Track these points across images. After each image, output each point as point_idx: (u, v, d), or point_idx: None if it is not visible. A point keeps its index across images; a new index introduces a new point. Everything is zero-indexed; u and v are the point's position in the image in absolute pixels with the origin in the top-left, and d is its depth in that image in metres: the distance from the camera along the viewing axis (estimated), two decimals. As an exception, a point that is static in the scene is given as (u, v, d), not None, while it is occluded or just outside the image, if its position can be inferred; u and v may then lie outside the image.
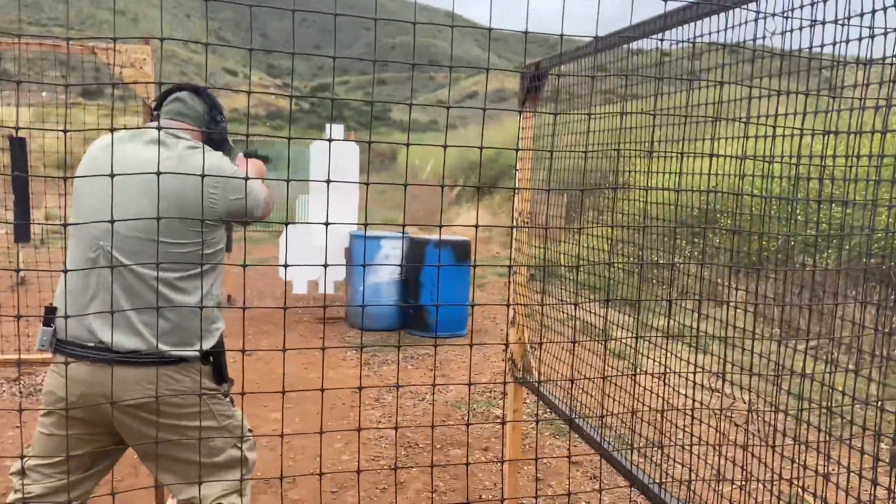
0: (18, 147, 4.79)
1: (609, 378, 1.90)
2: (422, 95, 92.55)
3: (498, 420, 4.13)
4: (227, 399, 2.07)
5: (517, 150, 2.29)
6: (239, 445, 2.03)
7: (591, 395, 2.10)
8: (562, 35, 1.38)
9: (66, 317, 1.84)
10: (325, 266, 1.35)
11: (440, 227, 1.31)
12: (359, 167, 6.56)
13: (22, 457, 1.90)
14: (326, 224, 1.28)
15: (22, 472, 1.92)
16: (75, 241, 1.92)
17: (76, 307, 1.85)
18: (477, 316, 6.95)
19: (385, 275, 6.26)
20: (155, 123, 1.96)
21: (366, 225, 1.45)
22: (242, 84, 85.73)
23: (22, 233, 5.36)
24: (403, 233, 6.32)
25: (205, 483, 1.91)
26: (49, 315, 1.88)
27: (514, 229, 2.54)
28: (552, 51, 2.46)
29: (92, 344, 1.84)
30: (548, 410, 2.40)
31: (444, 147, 1.31)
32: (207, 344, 1.96)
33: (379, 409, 4.49)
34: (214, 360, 2.01)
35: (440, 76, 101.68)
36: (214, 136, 2.07)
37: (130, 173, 1.59)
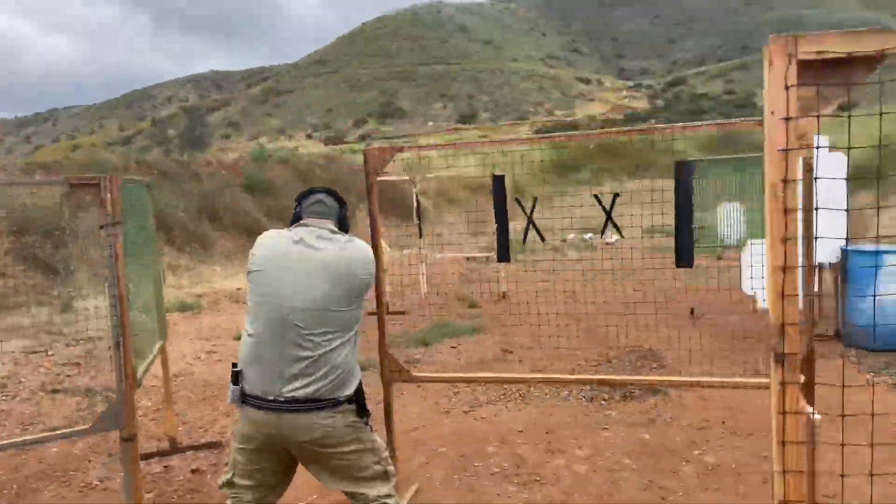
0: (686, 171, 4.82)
1: None
2: None
3: None
4: (369, 427, 2.68)
5: None
6: (381, 463, 2.70)
7: None
8: None
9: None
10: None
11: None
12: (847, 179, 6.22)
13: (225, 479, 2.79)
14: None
15: (230, 484, 2.75)
16: (260, 317, 2.59)
17: (263, 369, 2.55)
18: None
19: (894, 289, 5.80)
20: (315, 221, 2.73)
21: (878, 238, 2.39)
22: (596, 91, 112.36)
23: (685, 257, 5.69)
24: None
25: (360, 488, 2.66)
26: (235, 376, 2.60)
27: None
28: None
29: (272, 398, 2.53)
30: None
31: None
32: (353, 388, 2.61)
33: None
34: (358, 400, 2.65)
35: None
36: (344, 226, 2.81)
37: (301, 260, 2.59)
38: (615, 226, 5.31)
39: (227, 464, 2.95)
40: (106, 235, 3.40)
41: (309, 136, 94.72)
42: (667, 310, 8.13)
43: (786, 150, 1.43)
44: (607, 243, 16.07)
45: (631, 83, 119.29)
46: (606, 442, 4.40)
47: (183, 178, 16.14)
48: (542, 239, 3.59)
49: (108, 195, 3.39)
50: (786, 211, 1.44)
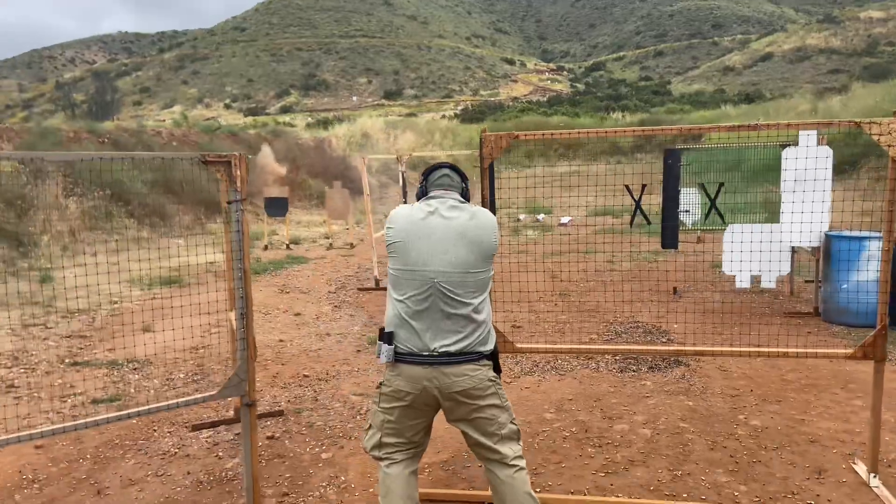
0: (674, 158, 6.02)
1: None
2: (704, 64, 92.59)
3: None
4: (501, 386, 2.94)
5: None
6: (514, 421, 2.97)
7: None
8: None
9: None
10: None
11: None
12: (832, 171, 6.52)
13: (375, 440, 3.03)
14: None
15: (380, 446, 3.01)
16: (407, 282, 2.85)
17: (416, 328, 2.82)
18: None
19: (872, 273, 6.34)
20: (443, 193, 2.99)
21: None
22: (519, 72, 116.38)
23: (670, 240, 7.04)
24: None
25: (498, 446, 2.90)
26: (387, 336, 2.86)
27: None
28: None
29: (426, 353, 2.80)
30: None
31: None
32: (493, 344, 2.94)
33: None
34: (495, 357, 2.95)
35: (726, 40, 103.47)
36: (466, 198, 3.06)
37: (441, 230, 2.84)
38: (643, 214, 5.71)
39: (369, 427, 3.14)
40: (234, 211, 3.52)
41: (228, 107, 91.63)
42: (651, 288, 8.71)
43: None
44: (561, 224, 16.65)
45: (553, 66, 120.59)
46: (656, 408, 4.83)
47: (135, 149, 15.62)
48: (648, 222, 3.92)
49: (238, 172, 3.51)
50: None
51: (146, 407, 3.45)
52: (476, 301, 2.85)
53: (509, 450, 2.92)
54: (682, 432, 4.40)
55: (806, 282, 8.81)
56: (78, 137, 14.68)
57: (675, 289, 8.66)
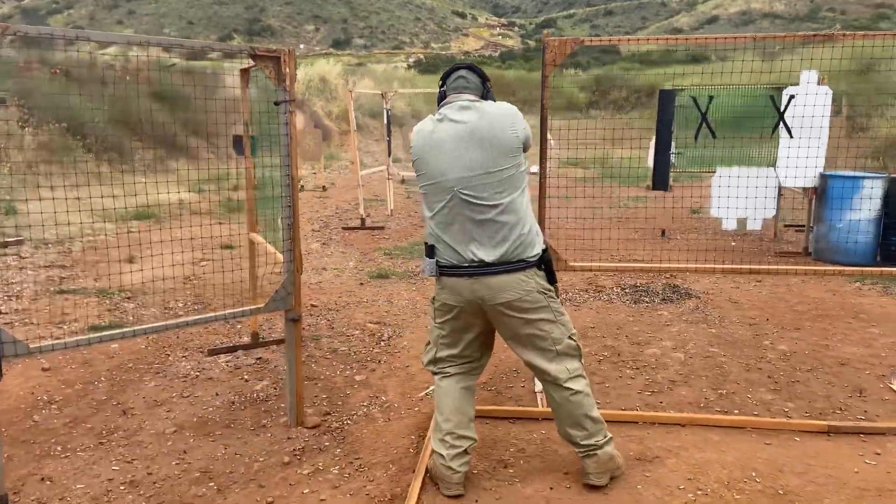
0: (668, 100, 5.11)
1: None
2: (653, 24, 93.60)
3: None
4: (558, 300, 2.77)
5: None
6: (573, 336, 2.79)
7: None
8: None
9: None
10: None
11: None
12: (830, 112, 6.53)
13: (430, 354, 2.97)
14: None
15: (435, 361, 2.95)
16: (432, 197, 2.73)
17: (450, 241, 2.71)
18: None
19: (865, 212, 6.57)
20: (455, 96, 2.77)
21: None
22: (470, 26, 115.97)
23: (661, 181, 6.25)
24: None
25: (553, 365, 2.77)
26: (429, 250, 2.76)
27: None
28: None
29: (465, 264, 2.69)
30: None
31: None
32: (539, 248, 2.73)
33: None
34: (547, 265, 2.76)
35: (673, 2, 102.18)
36: (488, 99, 2.83)
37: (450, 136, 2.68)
38: (709, 128, 5.46)
39: (427, 344, 3.07)
40: (282, 112, 3.29)
41: (167, 50, 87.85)
42: (639, 231, 8.74)
43: None
44: (531, 172, 16.60)
45: (504, 21, 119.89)
46: (681, 335, 4.84)
47: (90, 82, 14.76)
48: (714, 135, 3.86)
49: (287, 69, 3.27)
50: None
51: (202, 316, 3.26)
52: (504, 200, 2.66)
53: (564, 369, 2.79)
54: (714, 356, 4.42)
55: (785, 226, 8.98)
56: (29, 67, 13.75)
57: (663, 231, 8.71)
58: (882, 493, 2.82)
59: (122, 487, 2.96)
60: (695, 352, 4.49)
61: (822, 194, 7.17)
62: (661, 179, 7.50)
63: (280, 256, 4.04)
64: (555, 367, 2.80)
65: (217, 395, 3.94)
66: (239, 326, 5.11)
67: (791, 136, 5.14)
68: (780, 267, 4.06)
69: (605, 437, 2.86)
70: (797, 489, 2.85)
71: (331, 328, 5.10)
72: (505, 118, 2.73)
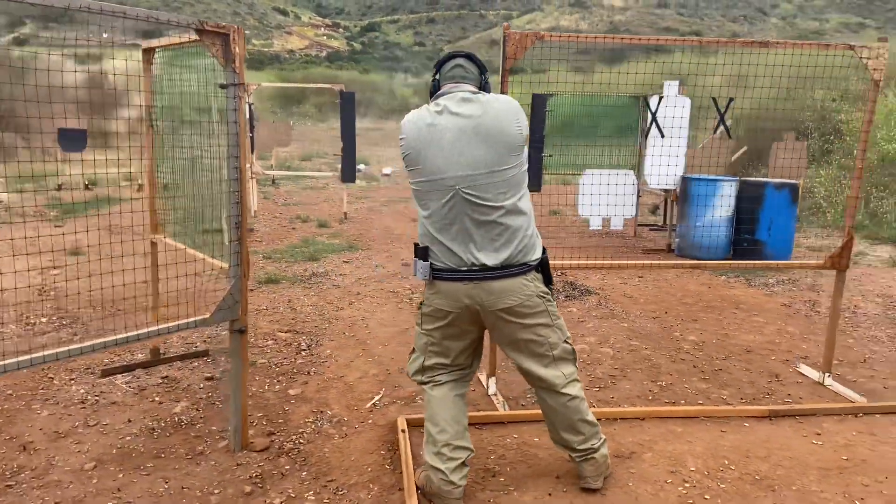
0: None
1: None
2: (473, 35, 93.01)
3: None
4: (554, 302, 2.64)
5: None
6: (567, 340, 2.68)
7: None
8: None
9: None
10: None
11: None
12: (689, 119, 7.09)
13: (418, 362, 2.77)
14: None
15: (423, 370, 2.75)
16: (428, 195, 2.51)
17: (449, 243, 2.50)
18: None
19: (721, 213, 7.23)
20: (453, 87, 2.58)
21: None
22: (293, 24, 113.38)
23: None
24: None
25: (549, 370, 2.64)
26: (422, 252, 2.54)
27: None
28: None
29: (464, 268, 2.49)
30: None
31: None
32: (540, 251, 2.59)
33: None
34: (544, 266, 2.62)
35: (491, 14, 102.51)
36: (486, 90, 2.63)
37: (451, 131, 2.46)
38: (724, 125, 5.55)
39: (412, 353, 2.88)
40: (231, 97, 2.94)
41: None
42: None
43: None
44: (384, 174, 16.49)
45: (329, 21, 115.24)
46: (599, 330, 4.94)
47: None
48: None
49: (236, 49, 2.92)
50: None
51: (144, 331, 2.78)
52: (508, 202, 2.50)
53: (560, 374, 2.69)
54: (638, 349, 4.56)
55: (639, 225, 9.59)
56: None
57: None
58: (842, 471, 3.02)
59: (56, 539, 2.46)
60: (619, 346, 4.60)
61: (684, 195, 7.71)
62: (534, 181, 7.81)
63: (202, 258, 3.63)
64: (551, 373, 2.69)
65: (130, 421, 3.43)
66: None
67: (663, 136, 5.46)
68: (677, 262, 4.29)
69: (601, 439, 2.81)
70: (769, 473, 2.98)
71: (237, 339, 4.65)
72: (510, 112, 2.55)
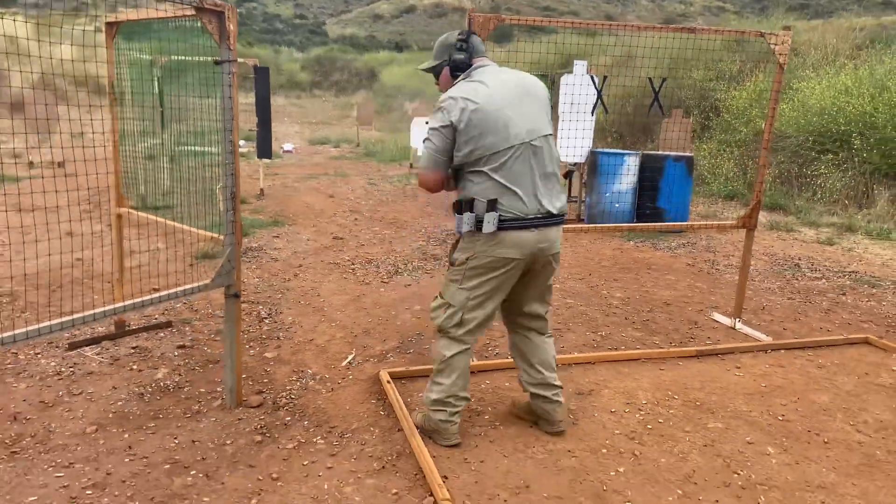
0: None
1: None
2: (356, 8, 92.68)
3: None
4: None
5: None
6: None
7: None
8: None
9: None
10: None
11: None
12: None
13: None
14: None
15: (460, 323, 2.86)
16: (499, 154, 2.69)
17: (520, 193, 2.71)
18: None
19: (626, 184, 7.91)
20: (483, 60, 2.88)
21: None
22: None
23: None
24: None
25: (547, 316, 3.09)
26: (490, 204, 2.68)
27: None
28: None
29: (532, 215, 2.73)
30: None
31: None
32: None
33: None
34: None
35: None
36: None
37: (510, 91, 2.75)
38: (658, 104, 5.93)
39: (447, 307, 2.90)
40: (225, 73, 3.10)
41: None
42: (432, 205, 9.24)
43: None
44: (285, 150, 16.35)
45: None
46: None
47: None
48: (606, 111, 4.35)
49: (231, 26, 3.09)
50: None
51: (148, 297, 2.91)
52: (555, 156, 2.86)
53: (550, 318, 3.12)
54: (574, 307, 5.05)
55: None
56: None
57: (452, 205, 9.31)
58: (763, 395, 3.60)
59: (88, 492, 2.60)
60: (557, 304, 5.06)
61: (593, 168, 8.32)
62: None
63: (179, 228, 3.75)
64: (547, 314, 3.08)
65: (115, 388, 3.52)
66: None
67: (607, 112, 5.93)
68: (596, 225, 4.78)
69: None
70: (706, 400, 3.51)
71: (194, 311, 4.76)
72: (537, 80, 2.90)
